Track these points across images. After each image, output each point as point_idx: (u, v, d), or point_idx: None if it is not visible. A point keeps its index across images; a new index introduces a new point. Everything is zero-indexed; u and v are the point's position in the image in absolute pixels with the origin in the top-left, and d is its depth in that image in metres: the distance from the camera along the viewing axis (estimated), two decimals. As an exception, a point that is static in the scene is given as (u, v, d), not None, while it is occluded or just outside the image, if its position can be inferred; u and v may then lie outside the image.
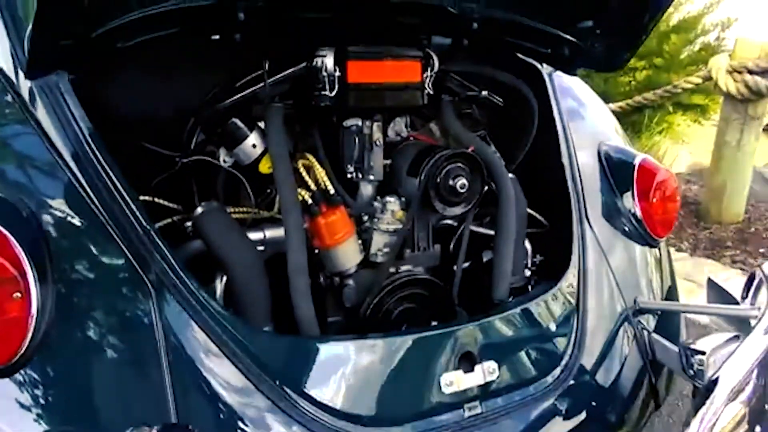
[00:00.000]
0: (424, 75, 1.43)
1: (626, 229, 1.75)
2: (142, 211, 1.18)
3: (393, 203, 1.47)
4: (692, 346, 1.32)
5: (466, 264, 1.69)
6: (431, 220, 1.55)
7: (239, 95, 1.34)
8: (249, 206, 1.47)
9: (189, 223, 1.34)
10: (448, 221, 1.66)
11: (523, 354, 1.38)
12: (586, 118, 1.93)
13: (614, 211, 1.76)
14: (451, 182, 1.41)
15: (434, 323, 1.40)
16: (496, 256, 1.51)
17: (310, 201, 1.37)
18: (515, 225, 1.51)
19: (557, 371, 1.39)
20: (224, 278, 1.34)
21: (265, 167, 1.41)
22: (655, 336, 1.56)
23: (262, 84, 1.32)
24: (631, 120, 5.74)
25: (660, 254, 1.82)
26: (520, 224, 1.57)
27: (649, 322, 1.66)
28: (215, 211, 1.34)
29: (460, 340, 1.30)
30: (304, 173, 1.39)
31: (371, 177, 1.47)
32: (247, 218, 1.48)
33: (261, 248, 1.45)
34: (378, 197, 1.49)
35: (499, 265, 1.50)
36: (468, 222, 1.56)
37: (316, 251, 1.46)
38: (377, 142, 1.44)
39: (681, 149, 5.68)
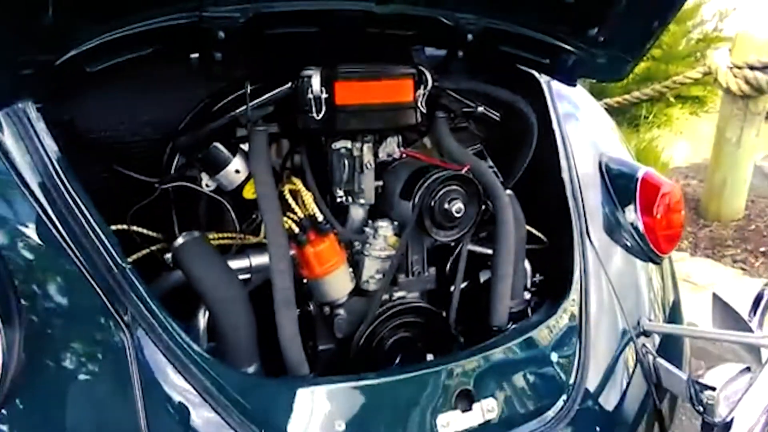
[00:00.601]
0: (417, 93, 1.35)
1: (628, 244, 1.68)
2: (115, 245, 1.11)
3: (385, 228, 1.40)
4: (701, 380, 1.26)
5: (463, 285, 1.62)
6: (426, 243, 1.48)
7: (221, 119, 1.26)
8: (234, 232, 1.40)
9: (169, 255, 1.27)
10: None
11: (524, 386, 1.31)
12: (585, 128, 1.85)
13: (616, 227, 1.69)
14: (446, 206, 1.34)
15: (430, 356, 1.33)
16: (494, 281, 1.44)
17: (297, 229, 1.29)
18: (513, 249, 1.44)
19: (560, 403, 1.33)
20: (207, 312, 1.27)
21: (249, 193, 1.33)
22: (661, 361, 1.50)
23: (244, 107, 1.24)
24: (630, 114, 5.67)
25: (663, 271, 1.76)
26: (518, 246, 1.50)
27: (654, 342, 1.60)
28: (196, 241, 1.27)
29: (457, 376, 1.23)
30: (290, 199, 1.31)
31: (362, 201, 1.40)
32: (233, 244, 1.40)
33: (247, 276, 1.39)
34: (369, 222, 1.42)
35: (496, 290, 1.43)
36: (465, 245, 1.49)
37: (305, 281, 1.39)
38: (368, 165, 1.37)
39: (679, 143, 5.62)
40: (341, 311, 1.39)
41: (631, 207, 1.70)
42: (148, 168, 1.39)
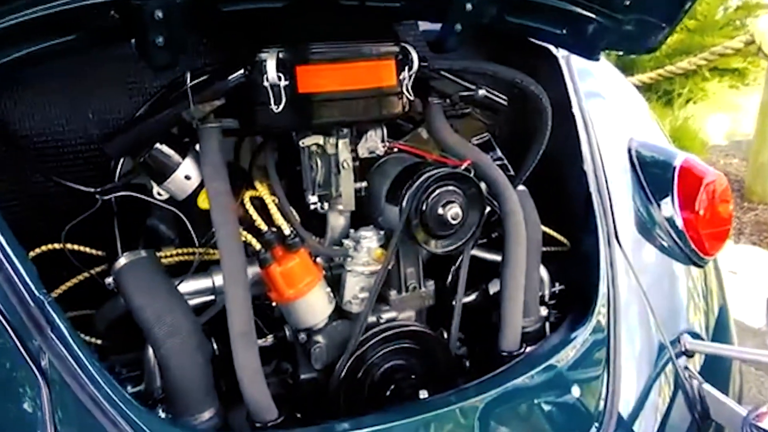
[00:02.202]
0: (401, 76, 1.12)
1: (665, 245, 1.43)
2: (31, 272, 0.92)
3: (369, 238, 1.17)
4: (761, 425, 1.01)
5: (470, 298, 1.39)
6: (422, 252, 1.25)
7: (158, 116, 1.05)
8: (193, 246, 1.19)
9: (110, 279, 1.07)
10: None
11: (544, 427, 1.08)
12: (611, 109, 1.60)
13: (650, 224, 1.44)
14: (440, 211, 1.11)
15: (423, 393, 1.11)
16: (502, 299, 1.21)
17: (259, 246, 1.08)
18: (524, 260, 1.21)
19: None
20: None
21: (204, 202, 1.12)
22: (708, 388, 1.25)
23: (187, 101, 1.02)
24: (661, 90, 5.30)
25: (707, 276, 1.50)
26: (532, 253, 1.26)
27: (696, 364, 1.35)
28: (139, 262, 1.06)
29: (462, 418, 1.01)
30: (251, 210, 1.10)
31: (340, 207, 1.18)
32: (193, 260, 1.19)
33: (210, 297, 1.18)
34: (351, 231, 1.20)
35: (505, 310, 1.20)
36: (466, 256, 1.26)
37: (275, 305, 1.18)
38: (345, 164, 1.14)
39: (717, 119, 5.23)
40: (320, 338, 1.18)
41: (667, 200, 1.44)
42: (99, 177, 1.20)
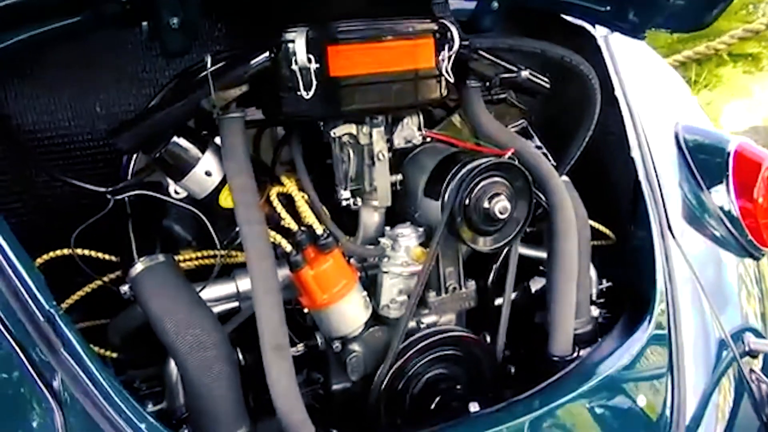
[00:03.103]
0: (440, 57, 1.01)
1: (718, 236, 1.32)
2: (39, 283, 0.82)
3: (408, 237, 1.07)
4: None
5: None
6: (462, 250, 1.15)
7: (175, 105, 0.94)
8: (214, 249, 1.09)
9: (126, 287, 0.97)
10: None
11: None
12: (654, 92, 1.49)
13: (701, 215, 1.34)
14: (486, 205, 1.00)
15: (474, 405, 1.01)
16: (553, 300, 1.11)
17: (289, 248, 0.98)
18: (576, 257, 1.10)
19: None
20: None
21: (227, 200, 1.02)
22: (777, 390, 1.15)
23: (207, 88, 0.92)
24: (677, 76, 5.16)
25: (761, 269, 1.39)
26: (582, 249, 1.16)
27: (757, 364, 1.24)
28: (158, 268, 0.96)
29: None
30: (279, 208, 1.00)
31: (375, 203, 1.07)
32: (215, 263, 1.10)
33: (234, 304, 1.08)
34: (387, 229, 1.10)
35: (556, 313, 1.10)
36: (514, 253, 1.15)
37: (307, 312, 1.08)
38: (380, 155, 1.04)
39: (734, 105, 5.09)
40: (356, 347, 1.08)
41: (720, 188, 1.34)
42: (110, 176, 1.11)
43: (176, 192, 1.07)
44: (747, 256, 1.34)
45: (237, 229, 1.04)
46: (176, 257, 1.07)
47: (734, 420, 1.14)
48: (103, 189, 1.03)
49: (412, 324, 1.10)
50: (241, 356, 1.09)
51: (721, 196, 1.34)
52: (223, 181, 1.00)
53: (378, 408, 1.06)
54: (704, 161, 1.37)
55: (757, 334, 1.26)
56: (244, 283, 1.08)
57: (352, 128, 1.02)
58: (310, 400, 1.16)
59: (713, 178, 1.35)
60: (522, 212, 1.05)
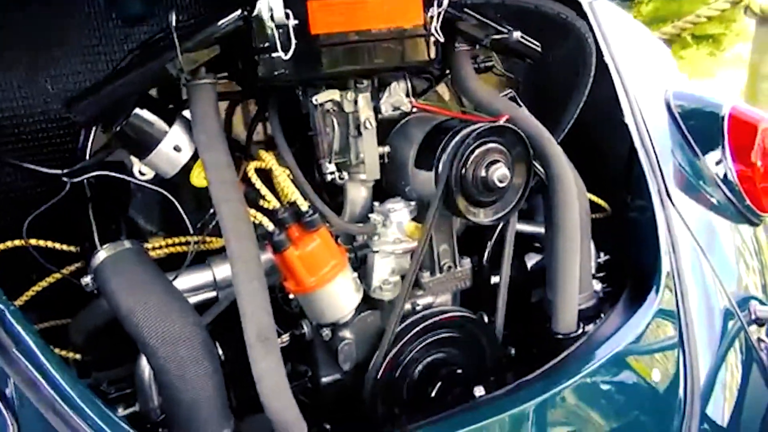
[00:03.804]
0: (429, 14, 0.93)
1: (715, 203, 1.27)
2: None
3: (399, 212, 0.99)
4: None
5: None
6: (456, 226, 1.07)
7: (134, 71, 0.84)
8: (187, 234, 1.00)
9: (88, 278, 0.87)
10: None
11: (624, 421, 0.92)
12: (642, 60, 1.44)
13: (696, 182, 1.28)
14: (484, 173, 0.92)
15: (479, 390, 0.93)
16: (556, 274, 1.04)
17: (271, 227, 0.88)
18: (579, 228, 1.04)
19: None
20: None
21: (199, 178, 0.92)
22: (787, 358, 1.11)
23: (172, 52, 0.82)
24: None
25: (758, 236, 1.35)
26: (583, 221, 1.09)
27: (763, 332, 1.20)
28: (124, 255, 0.86)
29: (531, 421, 0.83)
30: (259, 184, 0.90)
31: (362, 176, 0.99)
32: (189, 251, 1.00)
33: (212, 293, 0.99)
34: (376, 205, 1.01)
35: (560, 286, 1.03)
36: (512, 225, 1.08)
37: (292, 297, 0.99)
38: (367, 124, 0.95)
39: (701, 86, 5.16)
40: (347, 334, 0.99)
41: (716, 153, 1.29)
42: (67, 157, 1.00)
43: (141, 173, 0.96)
44: (745, 223, 1.29)
45: (212, 211, 0.94)
46: (145, 245, 0.98)
47: (745, 390, 1.10)
48: (58, 171, 0.92)
49: (407, 307, 1.02)
50: (221, 351, 1.00)
51: (717, 162, 1.29)
52: (195, 157, 0.90)
53: (374, 399, 0.98)
54: (697, 127, 1.32)
55: (761, 302, 1.21)
56: (221, 271, 0.98)
57: (335, 94, 0.93)
58: (299, 394, 1.06)
59: (708, 143, 1.30)
60: (521, 179, 0.97)
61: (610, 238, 1.26)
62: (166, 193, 0.94)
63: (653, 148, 1.23)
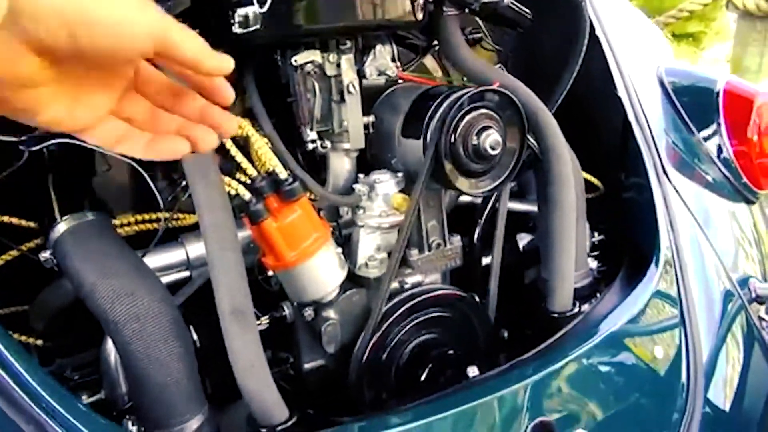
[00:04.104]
0: (415, -31, 0.87)
1: (713, 181, 1.23)
2: None
3: (386, 183, 0.93)
4: None
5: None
6: (445, 200, 1.02)
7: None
8: (159, 210, 0.93)
9: (47, 253, 0.79)
10: (467, 198, 1.14)
11: (626, 402, 0.86)
12: (634, 36, 1.40)
13: (691, 159, 1.24)
14: (475, 140, 0.87)
15: (473, 370, 0.87)
16: (552, 250, 0.98)
17: (247, 195, 0.82)
18: (575, 202, 0.99)
19: (676, 416, 0.89)
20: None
21: (169, 146, 0.85)
22: (790, 337, 1.06)
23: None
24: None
25: (755, 214, 1.31)
26: (579, 197, 1.04)
27: (762, 310, 1.16)
28: (88, 228, 0.79)
29: (527, 401, 0.78)
30: (234, 150, 0.84)
31: (346, 145, 0.93)
32: (159, 229, 0.93)
33: (185, 273, 0.92)
34: (360, 176, 0.95)
35: (557, 263, 0.98)
36: (504, 197, 1.03)
37: (271, 274, 0.93)
38: (350, 88, 0.89)
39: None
40: (331, 313, 0.93)
41: (710, 130, 1.25)
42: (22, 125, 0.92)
43: (107, 142, 0.89)
44: (741, 201, 1.25)
45: (184, 183, 0.88)
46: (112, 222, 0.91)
47: (747, 370, 1.05)
48: (14, 139, 0.84)
49: (394, 285, 0.96)
50: (195, 336, 0.93)
51: (713, 139, 1.25)
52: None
53: (360, 383, 0.92)
54: (691, 103, 1.28)
55: (759, 280, 1.17)
56: (194, 249, 0.92)
57: (315, 55, 0.87)
58: (280, 381, 1.00)
59: (702, 120, 1.26)
60: (513, 148, 0.92)
61: (603, 217, 1.21)
62: (133, 163, 0.87)
63: (647, 123, 1.19)
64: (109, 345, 0.82)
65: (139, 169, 0.88)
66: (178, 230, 0.94)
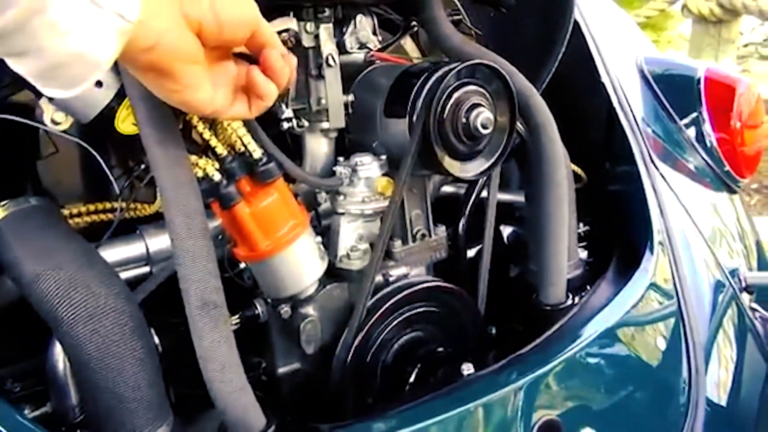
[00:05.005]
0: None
1: (696, 170, 1.21)
2: None
3: (367, 166, 0.85)
4: None
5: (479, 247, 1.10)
6: (429, 188, 0.95)
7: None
8: (115, 198, 0.83)
9: (-17, 246, 0.69)
10: (450, 187, 1.08)
11: (630, 398, 0.81)
12: (613, 26, 1.37)
13: (676, 149, 1.22)
14: (464, 119, 0.80)
15: (468, 368, 0.80)
16: (545, 239, 0.93)
17: (217, 176, 0.73)
18: (567, 185, 0.94)
19: (680, 411, 0.84)
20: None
21: (126, 123, 0.75)
22: (784, 326, 1.04)
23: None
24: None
25: (736, 204, 1.30)
26: (569, 184, 0.99)
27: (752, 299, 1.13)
28: (30, 214, 0.69)
29: (531, 400, 0.71)
30: (201, 127, 0.74)
31: (324, 125, 0.85)
32: (114, 218, 0.83)
33: (145, 269, 0.82)
34: (340, 160, 0.87)
35: (549, 253, 0.92)
36: (494, 183, 0.97)
37: (243, 266, 0.84)
38: (330, 60, 0.81)
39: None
40: (310, 310, 0.84)
41: (692, 118, 1.23)
42: None
43: (54, 121, 0.79)
44: (724, 190, 1.24)
45: (144, 164, 0.78)
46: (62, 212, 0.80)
47: (742, 362, 1.02)
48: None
49: (378, 279, 0.88)
50: (158, 340, 0.83)
51: (694, 127, 1.23)
52: (121, 95, 0.74)
53: (343, 387, 0.83)
54: (673, 91, 1.25)
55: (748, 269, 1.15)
56: (155, 242, 0.82)
57: (291, 22, 0.79)
58: (253, 388, 0.90)
59: (684, 108, 1.24)
60: (504, 127, 0.86)
61: (588, 207, 1.17)
62: (84, 143, 0.77)
63: (632, 110, 1.16)
64: (57, 349, 0.71)
65: (92, 151, 0.78)
66: (137, 222, 0.85)
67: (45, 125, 0.78)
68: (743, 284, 1.08)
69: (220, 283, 0.66)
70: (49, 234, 0.68)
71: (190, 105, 0.55)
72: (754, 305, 1.07)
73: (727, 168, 1.20)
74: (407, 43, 1.09)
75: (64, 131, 0.79)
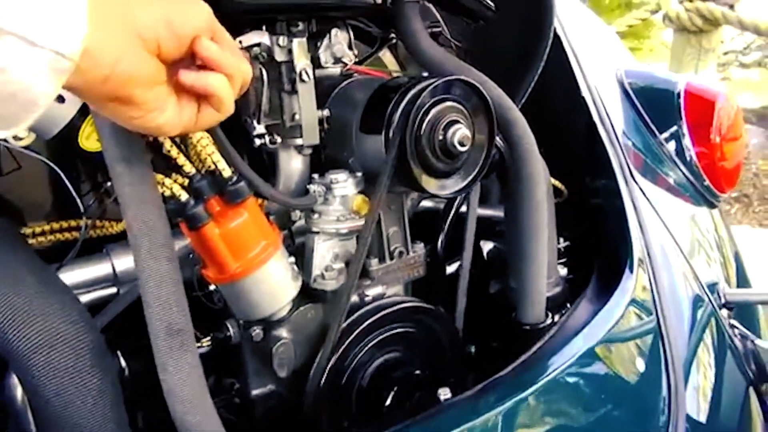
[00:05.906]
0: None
1: (675, 184, 1.21)
2: None
3: (342, 184, 0.83)
4: None
5: (457, 265, 1.09)
6: (407, 205, 0.93)
7: None
8: (77, 216, 0.80)
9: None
10: (429, 202, 1.06)
11: (609, 423, 0.79)
12: (593, 39, 1.36)
13: (655, 162, 1.21)
14: (441, 136, 0.78)
15: (445, 392, 0.78)
16: (524, 256, 0.91)
17: (184, 195, 0.70)
18: (546, 202, 0.92)
19: (660, 430, 0.83)
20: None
21: (90, 139, 0.73)
22: (762, 343, 1.03)
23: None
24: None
25: (716, 218, 1.29)
26: (549, 201, 0.98)
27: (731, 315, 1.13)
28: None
29: (506, 425, 0.69)
30: (168, 144, 0.72)
31: (298, 141, 0.82)
32: (78, 237, 0.80)
33: (112, 290, 0.79)
34: (315, 177, 0.85)
35: (528, 271, 0.90)
36: (473, 199, 0.95)
37: (213, 288, 0.81)
38: (303, 75, 0.79)
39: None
40: (283, 332, 0.82)
41: (671, 132, 1.23)
42: None
43: (16, 138, 0.76)
44: (704, 204, 1.23)
45: (109, 183, 0.75)
46: (23, 231, 0.77)
47: (722, 379, 1.01)
48: None
49: (353, 299, 0.86)
50: (123, 362, 0.80)
51: (674, 141, 1.22)
52: (85, 110, 0.71)
53: (317, 410, 0.81)
54: (653, 105, 1.25)
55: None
56: (123, 262, 0.80)
57: (263, 35, 0.76)
58: (224, 413, 0.88)
59: (664, 122, 1.23)
60: (483, 144, 0.84)
61: (569, 222, 1.16)
62: (45, 160, 0.74)
63: (612, 126, 1.15)
64: (14, 380, 0.68)
65: (54, 167, 0.76)
66: (104, 240, 0.82)
67: (5, 141, 0.75)
68: (722, 300, 1.07)
69: (186, 307, 0.64)
70: (5, 257, 0.65)
71: (157, 130, 0.53)
72: (734, 322, 1.06)
73: (707, 183, 1.20)
74: (386, 55, 1.08)
75: (26, 147, 0.76)
